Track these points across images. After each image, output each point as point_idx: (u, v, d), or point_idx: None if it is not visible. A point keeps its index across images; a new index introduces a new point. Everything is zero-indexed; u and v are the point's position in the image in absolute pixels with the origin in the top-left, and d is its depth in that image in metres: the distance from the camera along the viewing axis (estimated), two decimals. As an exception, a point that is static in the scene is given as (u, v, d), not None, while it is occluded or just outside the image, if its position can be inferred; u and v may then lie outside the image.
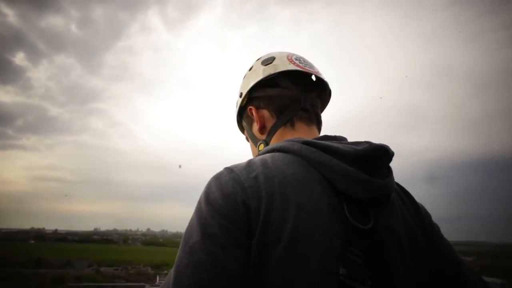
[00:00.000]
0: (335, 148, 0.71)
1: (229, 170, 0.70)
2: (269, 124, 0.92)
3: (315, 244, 0.62)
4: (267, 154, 0.75)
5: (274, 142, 0.89)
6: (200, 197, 0.68)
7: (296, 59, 0.93)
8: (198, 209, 0.66)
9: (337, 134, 0.82)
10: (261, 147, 0.92)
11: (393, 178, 0.75)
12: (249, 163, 0.71)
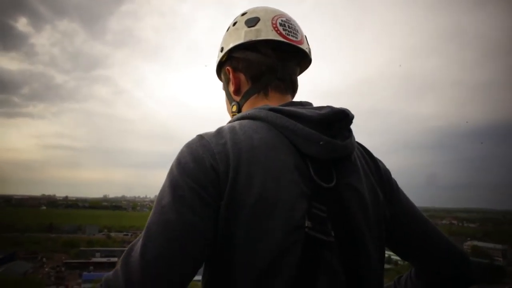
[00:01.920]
0: (299, 113, 0.75)
1: (200, 137, 0.74)
2: (244, 88, 0.93)
3: (282, 201, 0.68)
4: (236, 122, 0.79)
5: (246, 107, 0.92)
6: (173, 162, 0.72)
7: (280, 25, 0.90)
8: (170, 173, 0.71)
9: (303, 100, 0.87)
10: (234, 108, 0.95)
11: (354, 139, 0.80)
12: (219, 130, 0.75)
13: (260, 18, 0.91)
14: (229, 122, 0.84)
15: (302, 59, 0.97)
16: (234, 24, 0.97)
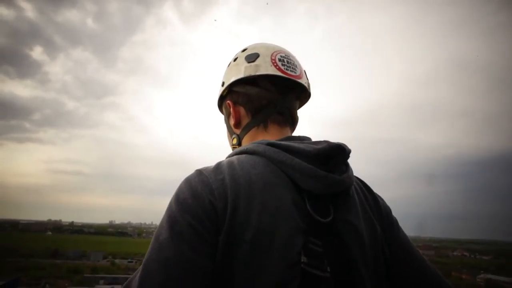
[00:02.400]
0: (296, 148, 0.76)
1: (199, 172, 0.75)
2: (244, 121, 0.95)
3: (279, 237, 0.67)
4: (234, 157, 0.80)
5: (246, 140, 0.94)
6: (172, 197, 0.73)
7: (279, 60, 0.94)
8: (169, 208, 0.71)
9: (301, 135, 0.88)
10: (234, 141, 0.97)
11: (351, 174, 0.80)
12: (217, 165, 0.76)
13: (260, 54, 0.94)
14: (228, 156, 0.85)
15: (301, 93, 0.99)
16: (235, 59, 0.99)
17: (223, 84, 1.01)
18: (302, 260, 0.67)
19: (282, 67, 0.93)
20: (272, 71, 0.91)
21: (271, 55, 0.94)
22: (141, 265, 0.66)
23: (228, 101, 0.98)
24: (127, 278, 0.65)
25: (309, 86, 0.99)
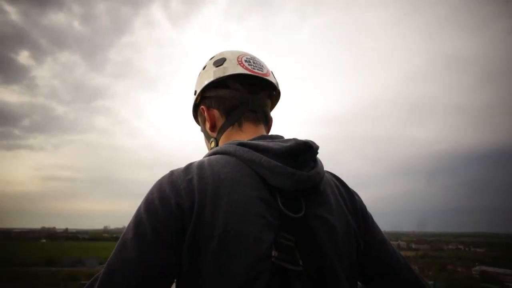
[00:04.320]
0: (265, 146, 0.79)
1: (170, 173, 0.77)
2: (219, 123, 0.98)
3: (247, 233, 0.69)
4: (206, 158, 0.82)
5: (223, 141, 0.97)
6: (144, 197, 0.75)
7: (246, 61, 0.98)
8: (138, 209, 0.73)
9: (274, 134, 0.92)
10: (212, 144, 1.00)
11: (320, 170, 0.82)
12: (188, 166, 0.78)
13: (227, 58, 0.99)
14: (204, 157, 0.87)
15: (271, 92, 1.03)
16: (204, 67, 1.04)
17: (195, 92, 1.04)
18: (273, 254, 0.69)
19: (249, 67, 0.97)
20: (240, 70, 0.95)
21: (237, 58, 0.99)
22: (106, 262, 0.68)
23: (202, 107, 1.00)
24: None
25: (277, 84, 1.03)
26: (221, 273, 0.67)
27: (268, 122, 1.01)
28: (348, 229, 0.83)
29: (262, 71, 0.99)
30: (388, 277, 0.90)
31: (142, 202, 0.74)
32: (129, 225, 0.71)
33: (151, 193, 0.74)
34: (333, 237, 0.78)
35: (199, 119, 1.08)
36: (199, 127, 1.12)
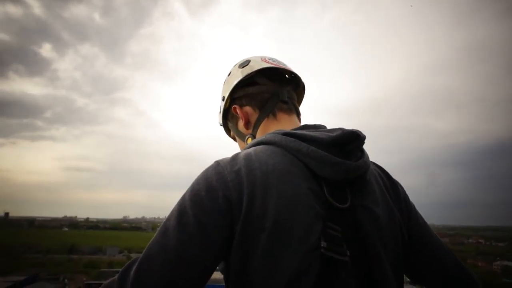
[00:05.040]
0: (312, 136, 0.78)
1: (216, 163, 0.77)
2: (253, 118, 0.99)
3: (298, 224, 0.69)
4: (251, 148, 0.82)
5: (259, 134, 0.97)
6: (189, 186, 0.75)
7: (269, 59, 1.03)
8: (183, 197, 0.73)
9: (317, 123, 0.90)
10: (249, 140, 0.99)
11: (367, 159, 0.81)
12: (234, 157, 0.78)
13: (251, 59, 1.04)
14: (245, 148, 0.87)
15: (297, 87, 1.06)
16: (229, 74, 1.07)
17: (223, 98, 1.06)
18: (321, 245, 0.68)
19: (274, 62, 1.02)
20: (266, 65, 0.99)
21: (261, 58, 1.04)
22: (147, 245, 0.70)
23: (234, 106, 1.02)
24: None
25: (300, 78, 1.06)
26: (273, 265, 0.67)
27: (298, 115, 1.02)
28: (393, 220, 0.82)
29: (285, 66, 1.03)
30: (434, 268, 0.90)
31: (188, 191, 0.74)
32: (172, 212, 0.72)
33: (197, 183, 0.74)
34: (379, 227, 0.78)
35: (230, 123, 1.08)
36: (223, 131, 1.14)
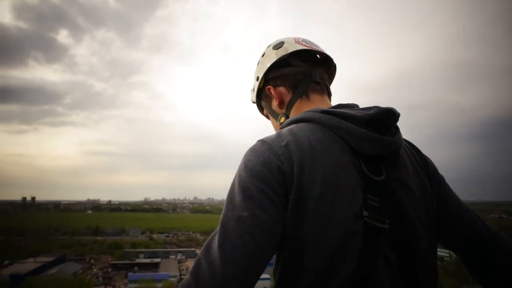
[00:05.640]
0: (350, 114, 0.84)
1: (262, 141, 0.83)
2: (287, 98, 1.04)
3: (342, 194, 0.75)
4: (292, 125, 0.87)
5: (293, 114, 1.01)
6: (240, 166, 0.81)
7: (302, 41, 1.06)
8: (239, 175, 0.78)
9: (350, 102, 0.95)
10: (282, 119, 1.03)
11: (401, 136, 0.87)
12: (279, 134, 0.84)
13: (285, 41, 1.07)
14: (282, 126, 0.93)
15: (329, 68, 1.10)
16: (263, 55, 1.12)
17: (257, 78, 1.11)
18: (364, 214, 0.75)
19: (307, 44, 1.05)
20: (300, 47, 1.03)
21: (294, 39, 1.07)
22: (219, 224, 0.74)
23: (268, 87, 1.06)
24: (165, 252, 0.76)
25: (332, 60, 1.10)
26: (321, 233, 0.73)
27: (330, 95, 1.07)
28: (424, 191, 0.89)
29: (318, 48, 1.06)
30: (467, 233, 0.96)
31: (241, 169, 0.79)
32: (232, 192, 0.77)
33: (247, 160, 0.79)
34: (412, 198, 0.84)
35: (264, 102, 1.12)
36: (256, 113, 1.18)
